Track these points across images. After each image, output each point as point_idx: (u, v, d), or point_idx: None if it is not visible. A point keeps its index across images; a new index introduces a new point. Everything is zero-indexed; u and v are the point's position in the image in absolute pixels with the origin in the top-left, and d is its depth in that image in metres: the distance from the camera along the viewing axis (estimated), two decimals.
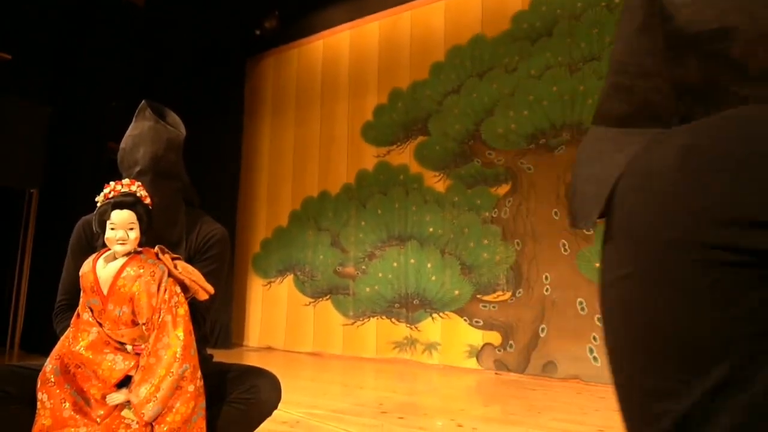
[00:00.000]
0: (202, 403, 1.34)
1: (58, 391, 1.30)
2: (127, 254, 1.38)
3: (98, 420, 1.30)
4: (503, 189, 4.61)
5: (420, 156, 5.13)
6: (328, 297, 5.53)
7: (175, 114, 1.80)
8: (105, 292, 1.35)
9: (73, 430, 1.28)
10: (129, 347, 1.37)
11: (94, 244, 1.59)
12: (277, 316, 5.90)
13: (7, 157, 4.52)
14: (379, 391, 3.66)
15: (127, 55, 5.61)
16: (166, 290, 1.36)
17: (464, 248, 4.74)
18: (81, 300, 1.40)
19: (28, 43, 5.10)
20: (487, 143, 4.75)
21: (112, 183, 1.40)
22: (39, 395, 1.31)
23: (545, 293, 4.28)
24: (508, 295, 4.45)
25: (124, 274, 1.36)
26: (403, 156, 5.23)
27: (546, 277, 4.30)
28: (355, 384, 3.92)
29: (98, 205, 1.39)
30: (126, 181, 1.43)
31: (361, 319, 5.26)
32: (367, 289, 5.26)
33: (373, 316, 5.19)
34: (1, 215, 5.08)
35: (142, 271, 1.36)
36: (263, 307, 6.05)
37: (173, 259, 1.43)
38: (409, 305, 4.98)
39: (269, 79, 6.44)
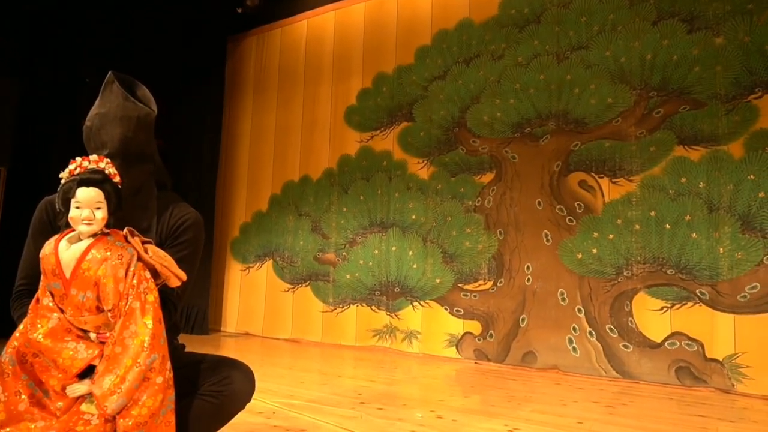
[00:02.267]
0: (172, 395, 1.26)
1: (13, 382, 1.20)
2: (93, 235, 1.29)
3: (58, 413, 1.21)
4: (487, 177, 4.56)
5: (404, 142, 5.05)
6: (307, 283, 5.46)
7: (147, 89, 1.69)
8: (68, 275, 1.26)
9: (30, 424, 1.19)
10: (93, 335, 1.28)
11: (57, 224, 1.49)
12: (255, 301, 5.81)
13: None
14: (357, 380, 3.61)
15: (104, 30, 5.41)
16: (134, 275, 1.27)
17: (446, 236, 4.69)
18: (41, 284, 1.30)
19: None
20: (472, 131, 4.69)
21: (78, 159, 1.30)
22: None
23: (526, 283, 4.26)
24: (490, 284, 4.43)
25: (89, 256, 1.26)
26: (387, 142, 5.15)
27: (528, 267, 4.27)
28: (334, 372, 3.87)
29: (62, 181, 1.29)
30: (94, 157, 1.32)
31: (340, 306, 5.20)
32: (348, 276, 5.19)
33: (353, 304, 5.13)
34: None
35: (108, 254, 1.27)
36: (241, 293, 5.95)
37: (143, 242, 1.34)
38: (390, 293, 4.92)
39: (251, 59, 6.29)
